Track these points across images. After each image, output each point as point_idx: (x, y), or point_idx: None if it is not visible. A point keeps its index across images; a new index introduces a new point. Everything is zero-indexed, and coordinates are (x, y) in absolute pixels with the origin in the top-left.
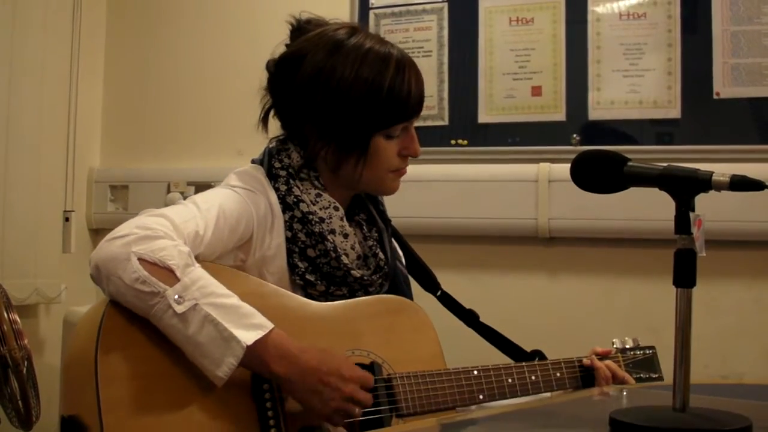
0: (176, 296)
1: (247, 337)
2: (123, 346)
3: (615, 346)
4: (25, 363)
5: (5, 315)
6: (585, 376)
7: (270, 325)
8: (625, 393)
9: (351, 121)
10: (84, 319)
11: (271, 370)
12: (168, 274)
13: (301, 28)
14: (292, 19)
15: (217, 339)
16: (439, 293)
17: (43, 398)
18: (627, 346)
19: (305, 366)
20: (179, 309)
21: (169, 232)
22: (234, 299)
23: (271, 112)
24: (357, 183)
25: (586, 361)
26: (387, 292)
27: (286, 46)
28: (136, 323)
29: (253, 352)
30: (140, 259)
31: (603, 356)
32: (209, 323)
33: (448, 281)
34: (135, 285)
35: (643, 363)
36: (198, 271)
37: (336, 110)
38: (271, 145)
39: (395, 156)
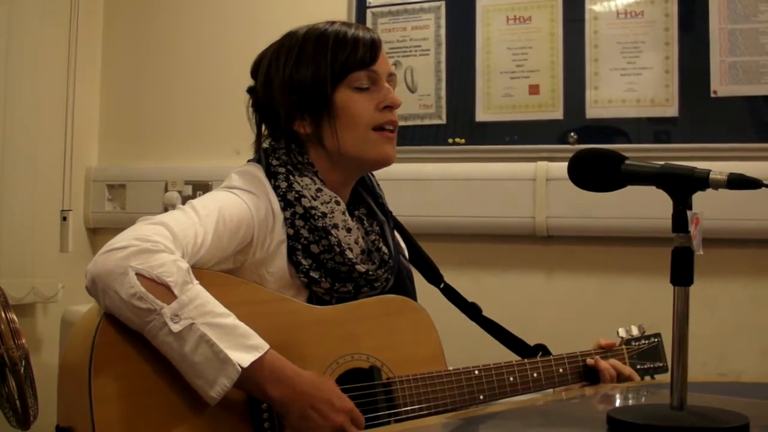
0: (172, 314)
1: (243, 359)
2: (117, 363)
3: (620, 335)
4: (23, 362)
5: (2, 314)
6: (588, 370)
7: (266, 346)
8: (623, 391)
9: (308, 77)
10: (78, 328)
11: (266, 392)
12: (165, 291)
13: None
14: None
15: (211, 360)
16: (442, 285)
17: (40, 398)
18: (632, 335)
19: (299, 390)
20: (175, 328)
21: (168, 244)
22: (231, 318)
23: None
24: (341, 152)
25: (590, 362)
26: (391, 288)
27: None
28: (129, 338)
29: (248, 374)
30: (138, 274)
31: (607, 349)
32: (205, 343)
33: (446, 280)
34: (131, 300)
35: (648, 353)
36: (196, 288)
37: (292, 75)
38: (265, 146)
39: (371, 110)
